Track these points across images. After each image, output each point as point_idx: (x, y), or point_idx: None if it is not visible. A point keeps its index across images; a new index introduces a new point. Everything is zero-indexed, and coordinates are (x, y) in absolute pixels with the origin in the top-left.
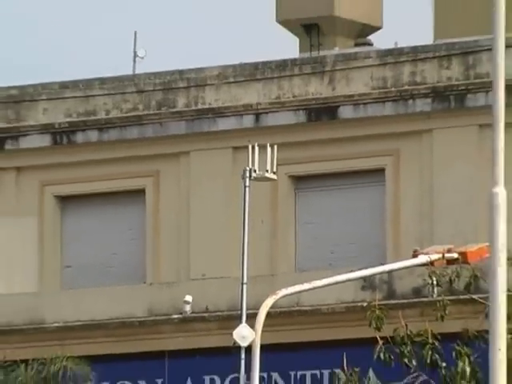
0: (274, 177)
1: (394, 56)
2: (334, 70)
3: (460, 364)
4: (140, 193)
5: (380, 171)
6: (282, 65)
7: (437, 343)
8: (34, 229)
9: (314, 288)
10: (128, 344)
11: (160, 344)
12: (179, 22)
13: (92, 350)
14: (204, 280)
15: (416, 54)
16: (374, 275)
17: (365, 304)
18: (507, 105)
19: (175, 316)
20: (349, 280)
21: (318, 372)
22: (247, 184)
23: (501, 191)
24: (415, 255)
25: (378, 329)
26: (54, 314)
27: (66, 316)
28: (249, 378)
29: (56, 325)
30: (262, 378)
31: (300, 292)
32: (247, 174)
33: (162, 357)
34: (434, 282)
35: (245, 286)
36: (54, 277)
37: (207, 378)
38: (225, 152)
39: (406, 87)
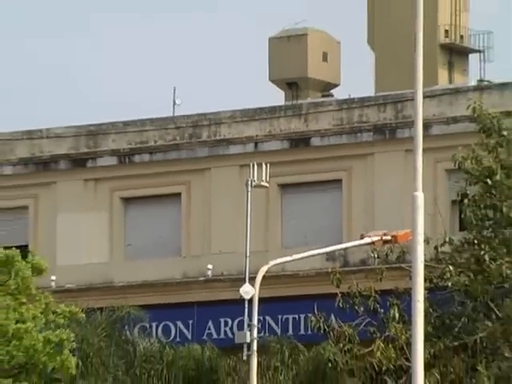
0: (267, 185)
1: (347, 103)
2: (308, 113)
3: (392, 311)
4: (177, 196)
5: (338, 181)
6: (273, 109)
7: (377, 296)
8: (106, 220)
9: (294, 260)
10: (169, 297)
11: (190, 297)
12: (203, 81)
13: (145, 300)
14: (221, 254)
15: (363, 102)
16: (334, 251)
17: (329, 270)
18: (424, 136)
19: (201, 278)
20: (318, 254)
21: (296, 316)
22: (249, 190)
23: (420, 195)
24: (362, 237)
25: (338, 286)
26: (119, 276)
27: (127, 278)
28: (250, 319)
29: (121, 284)
30: (259, 320)
31: (284, 262)
32: (249, 183)
33: (192, 306)
34: (375, 256)
35: (248, 258)
36: (119, 252)
37: (222, 320)
38: (234, 168)
39: (356, 124)
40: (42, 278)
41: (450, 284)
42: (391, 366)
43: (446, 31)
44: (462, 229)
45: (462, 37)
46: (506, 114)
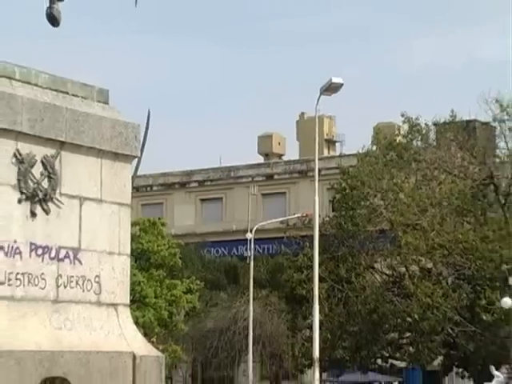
0: (257, 194)
1: (289, 162)
2: (273, 166)
3: (306, 243)
4: (221, 198)
5: (285, 193)
6: (259, 164)
7: (300, 238)
8: (193, 208)
9: (269, 223)
10: (217, 238)
11: (226, 238)
12: (232, 152)
13: (209, 239)
14: (237, 220)
15: (294, 162)
16: (284, 220)
17: (282, 227)
18: (319, 175)
19: (231, 230)
20: (277, 221)
21: (269, 246)
22: (250, 196)
23: (317, 198)
24: (294, 215)
25: (285, 233)
26: (199, 229)
27: (201, 230)
28: (250, 247)
29: (199, 232)
30: (254, 247)
31: (264, 224)
32: (250, 193)
33: (228, 242)
34: (301, 222)
35: (249, 222)
36: (199, 220)
37: (239, 247)
38: (244, 188)
39: (291, 171)
40: (168, 230)
41: (329, 232)
42: (306, 265)
43: (327, 134)
44: (333, 211)
45: (333, 136)
46: (350, 167)
